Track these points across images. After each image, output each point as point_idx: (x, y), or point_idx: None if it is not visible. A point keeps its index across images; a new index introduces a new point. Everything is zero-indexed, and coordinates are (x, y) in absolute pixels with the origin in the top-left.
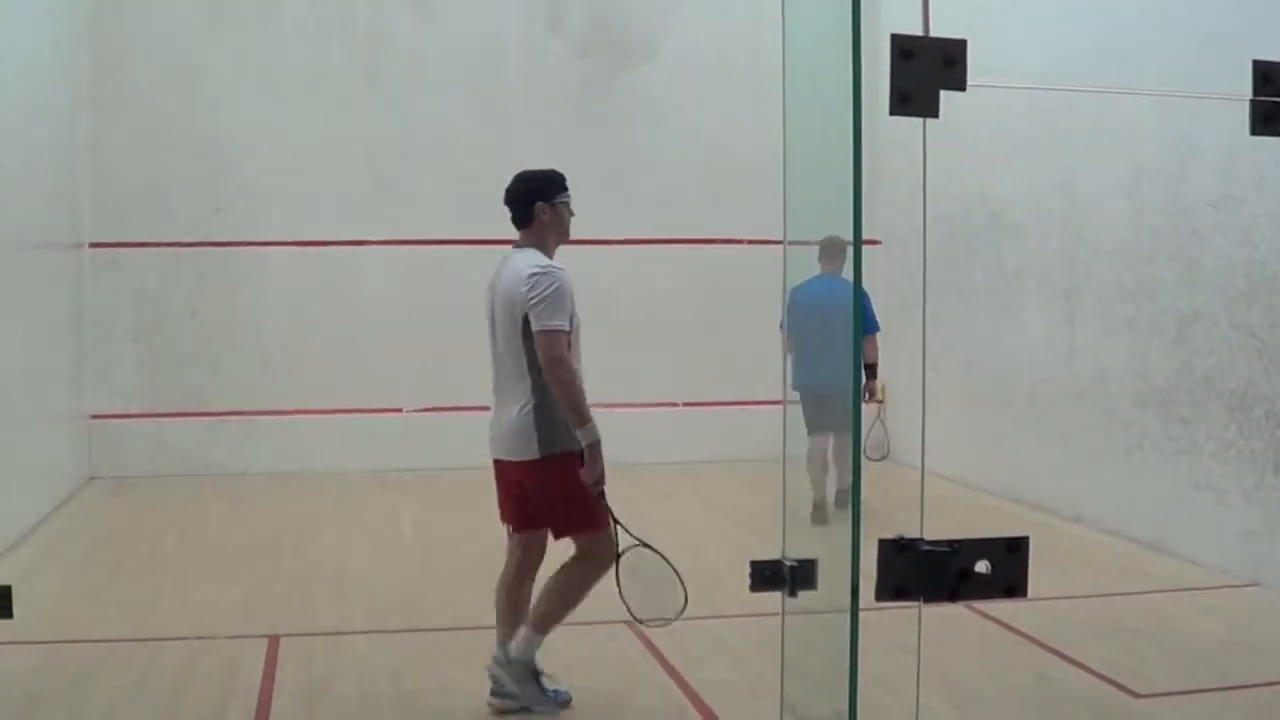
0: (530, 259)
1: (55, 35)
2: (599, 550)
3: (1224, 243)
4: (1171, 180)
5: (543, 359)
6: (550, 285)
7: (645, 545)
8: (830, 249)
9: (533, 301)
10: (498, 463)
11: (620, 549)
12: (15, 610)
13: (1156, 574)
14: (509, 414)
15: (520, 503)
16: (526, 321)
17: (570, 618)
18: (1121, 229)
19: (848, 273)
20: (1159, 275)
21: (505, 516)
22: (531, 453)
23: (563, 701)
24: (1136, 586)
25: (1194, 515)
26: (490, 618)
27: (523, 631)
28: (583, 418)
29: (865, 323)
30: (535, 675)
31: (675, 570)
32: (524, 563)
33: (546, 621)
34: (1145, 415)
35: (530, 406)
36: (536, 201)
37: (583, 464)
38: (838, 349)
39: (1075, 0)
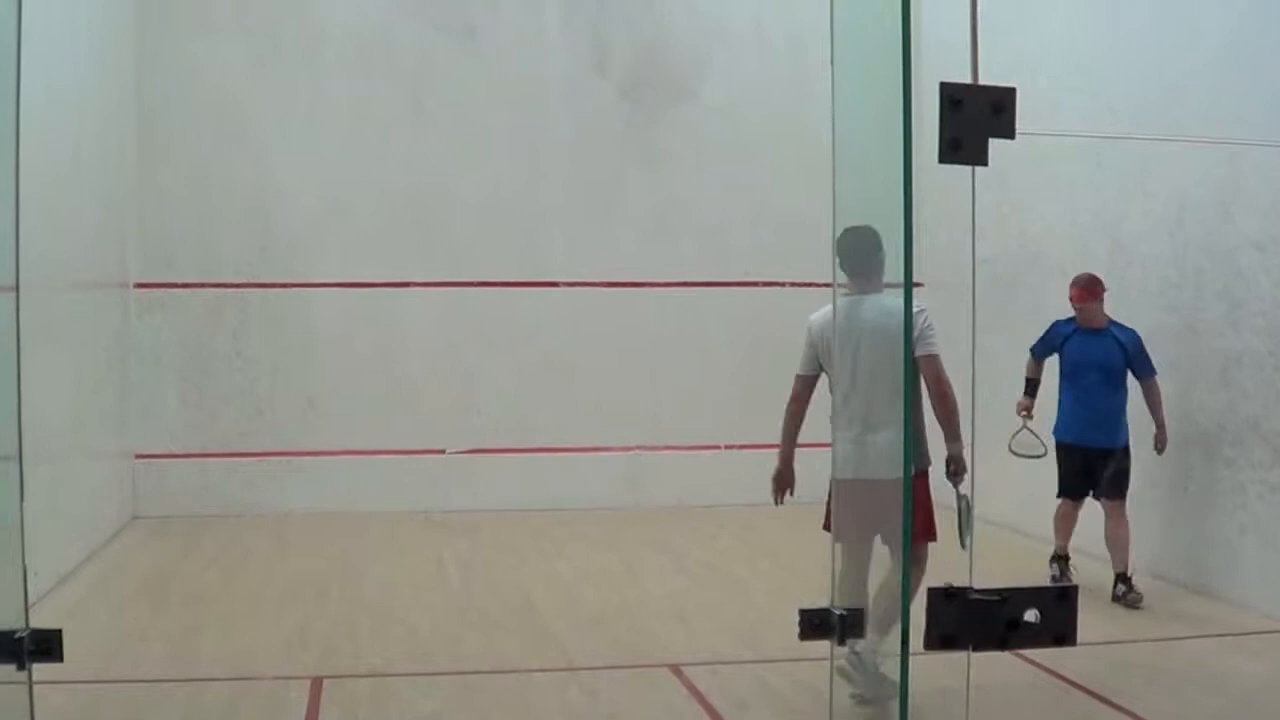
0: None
1: (102, 77)
2: (923, 555)
3: (1268, 284)
4: (1215, 221)
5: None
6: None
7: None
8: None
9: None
10: (866, 481)
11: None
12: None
13: (1202, 618)
14: (882, 437)
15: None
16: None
17: (615, 660)
18: (1165, 270)
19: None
20: (1203, 317)
21: (846, 532)
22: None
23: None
24: (1181, 631)
25: (1239, 559)
26: (533, 660)
27: (870, 636)
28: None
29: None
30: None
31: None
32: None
33: (888, 622)
34: (1189, 457)
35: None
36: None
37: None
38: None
39: (1119, 43)
